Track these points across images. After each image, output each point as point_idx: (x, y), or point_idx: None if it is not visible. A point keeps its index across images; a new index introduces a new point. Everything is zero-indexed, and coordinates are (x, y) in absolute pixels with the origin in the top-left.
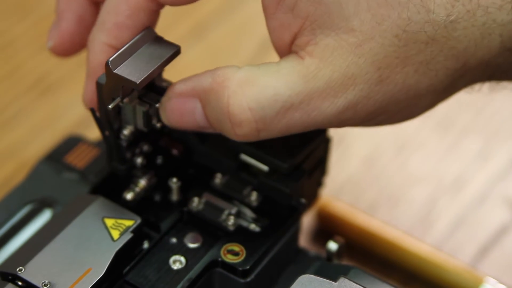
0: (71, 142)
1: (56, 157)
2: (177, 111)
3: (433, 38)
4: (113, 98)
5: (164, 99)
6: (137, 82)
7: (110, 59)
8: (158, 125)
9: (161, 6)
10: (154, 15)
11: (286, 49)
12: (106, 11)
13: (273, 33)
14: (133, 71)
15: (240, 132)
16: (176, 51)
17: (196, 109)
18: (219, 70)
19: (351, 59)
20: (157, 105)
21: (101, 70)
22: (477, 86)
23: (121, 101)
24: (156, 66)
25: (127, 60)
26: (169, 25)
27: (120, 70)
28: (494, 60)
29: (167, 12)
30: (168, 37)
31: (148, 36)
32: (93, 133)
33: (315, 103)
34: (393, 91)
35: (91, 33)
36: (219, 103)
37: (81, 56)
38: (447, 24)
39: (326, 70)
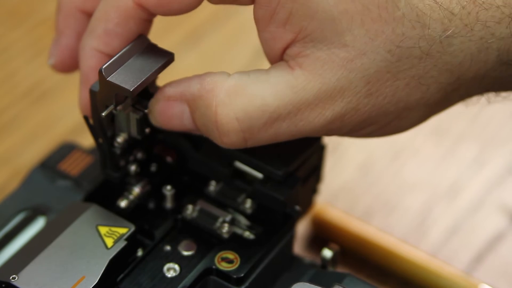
0: (65, 150)
1: (50, 164)
2: (165, 114)
3: (427, 53)
4: (107, 105)
5: (153, 101)
6: (131, 90)
7: (103, 67)
8: (147, 130)
9: (152, 15)
10: (144, 24)
11: (277, 57)
12: (96, 17)
13: (264, 44)
14: (127, 79)
15: (227, 141)
16: (170, 58)
17: (184, 113)
18: (208, 76)
19: (341, 73)
20: (146, 110)
21: (93, 76)
22: (474, 99)
23: (115, 108)
24: (149, 74)
25: (121, 68)
26: (163, 32)
27: (114, 78)
28: (490, 73)
29: (161, 20)
30: (162, 44)
31: (141, 43)
32: (87, 140)
33: (302, 114)
34: (382, 103)
35: (82, 39)
36: (207, 111)
37: None
38: (442, 39)
39: (315, 82)
